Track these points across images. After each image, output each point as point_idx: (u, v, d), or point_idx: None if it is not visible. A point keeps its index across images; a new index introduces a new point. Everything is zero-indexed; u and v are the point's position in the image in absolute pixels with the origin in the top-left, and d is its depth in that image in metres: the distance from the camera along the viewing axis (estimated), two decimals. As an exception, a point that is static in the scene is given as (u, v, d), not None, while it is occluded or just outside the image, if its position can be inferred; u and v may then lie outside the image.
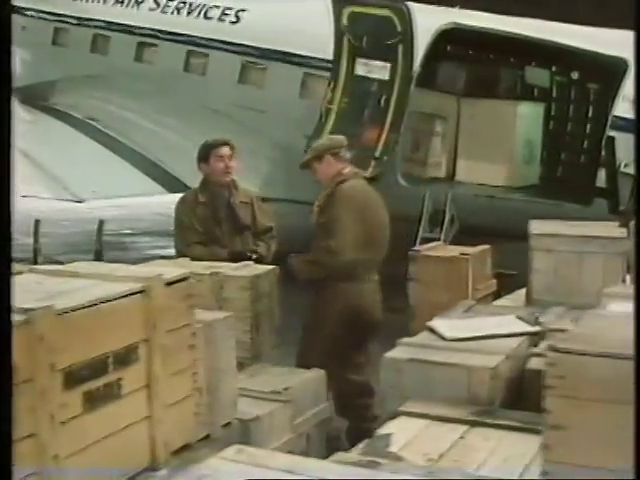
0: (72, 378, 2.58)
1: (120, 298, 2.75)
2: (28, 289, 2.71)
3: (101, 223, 9.35)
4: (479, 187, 9.45)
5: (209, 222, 5.56)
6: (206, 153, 5.69)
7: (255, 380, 4.56)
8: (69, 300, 2.62)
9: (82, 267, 3.10)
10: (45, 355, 2.45)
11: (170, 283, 2.94)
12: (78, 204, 8.91)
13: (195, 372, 3.15)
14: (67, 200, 8.19)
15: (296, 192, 8.67)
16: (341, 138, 5.89)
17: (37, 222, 8.96)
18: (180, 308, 3.00)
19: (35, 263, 7.90)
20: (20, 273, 2.93)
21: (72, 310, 2.56)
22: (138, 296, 2.81)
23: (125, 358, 2.76)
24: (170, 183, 9.18)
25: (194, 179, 6.26)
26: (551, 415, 2.08)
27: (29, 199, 9.21)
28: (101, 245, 9.18)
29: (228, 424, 3.81)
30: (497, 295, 6.05)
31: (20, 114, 9.54)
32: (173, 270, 3.08)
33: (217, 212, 5.61)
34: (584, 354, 2.04)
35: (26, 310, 2.43)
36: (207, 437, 3.61)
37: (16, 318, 2.25)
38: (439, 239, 8.66)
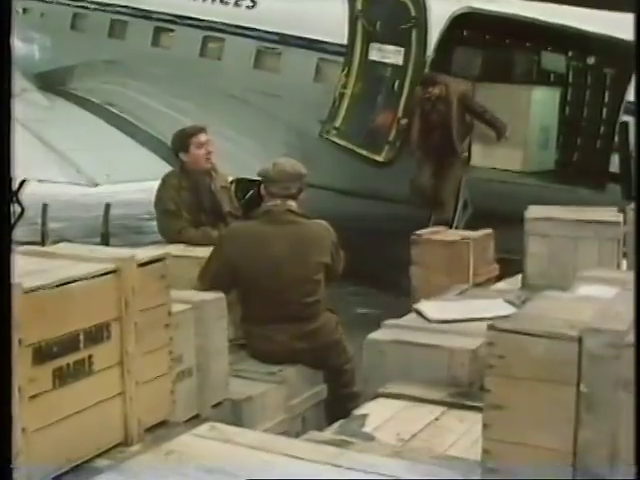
0: (41, 354, 2.65)
1: (91, 278, 2.81)
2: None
3: (107, 207, 9.41)
4: (493, 172, 9.43)
5: (194, 208, 5.48)
6: (185, 142, 5.57)
7: (251, 361, 4.63)
8: (40, 279, 2.69)
9: (61, 248, 3.18)
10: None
11: (144, 264, 3.00)
12: (102, 189, 8.96)
13: (171, 351, 3.20)
14: (80, 184, 8.27)
15: (311, 176, 8.71)
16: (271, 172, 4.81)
17: (45, 206, 9.08)
18: (154, 288, 3.06)
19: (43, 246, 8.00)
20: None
21: (40, 289, 2.64)
22: (110, 276, 2.88)
23: (96, 336, 2.83)
24: None
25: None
26: (491, 394, 2.11)
27: (56, 185, 9.30)
28: (107, 229, 9.24)
29: (219, 404, 3.88)
30: (500, 279, 6.06)
31: (38, 100, 9.64)
32: (149, 251, 3.14)
33: (201, 199, 5.51)
34: (523, 333, 2.06)
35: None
36: (197, 417, 3.68)
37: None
38: (452, 224, 8.68)
